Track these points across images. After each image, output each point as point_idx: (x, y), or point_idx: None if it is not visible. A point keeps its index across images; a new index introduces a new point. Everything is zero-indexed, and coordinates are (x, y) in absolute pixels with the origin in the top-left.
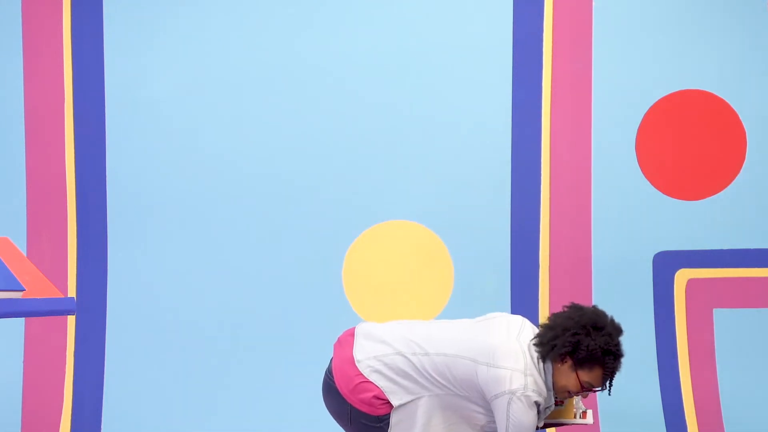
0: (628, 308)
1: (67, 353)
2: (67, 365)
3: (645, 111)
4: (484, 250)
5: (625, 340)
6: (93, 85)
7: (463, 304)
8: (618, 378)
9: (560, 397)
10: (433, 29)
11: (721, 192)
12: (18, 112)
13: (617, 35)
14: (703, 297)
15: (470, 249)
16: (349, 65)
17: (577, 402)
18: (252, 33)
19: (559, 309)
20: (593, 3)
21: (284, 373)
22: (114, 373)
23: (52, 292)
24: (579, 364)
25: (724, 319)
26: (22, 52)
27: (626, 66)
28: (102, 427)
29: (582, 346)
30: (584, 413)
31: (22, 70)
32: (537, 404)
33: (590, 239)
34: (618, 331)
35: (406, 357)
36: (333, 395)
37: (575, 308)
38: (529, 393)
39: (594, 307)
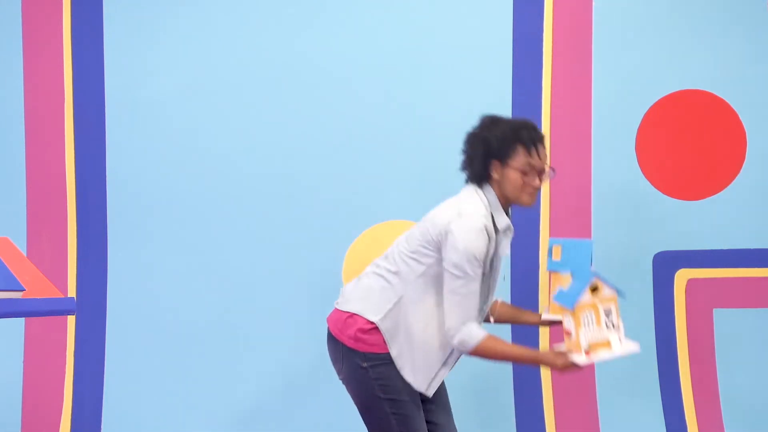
0: (628, 308)
1: (67, 353)
2: (67, 365)
3: (645, 111)
4: None
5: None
6: (93, 85)
7: None
8: (618, 377)
9: (524, 202)
10: (433, 29)
11: (721, 192)
12: (18, 112)
13: (617, 35)
14: (703, 297)
15: None
16: (349, 65)
17: (584, 335)
18: (252, 33)
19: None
20: (593, 3)
21: (284, 373)
22: (114, 373)
23: (52, 292)
24: (502, 155)
25: (724, 319)
26: (22, 52)
27: (626, 66)
28: (102, 427)
29: (490, 139)
30: (588, 352)
31: (22, 70)
32: (485, 228)
33: (590, 239)
34: (519, 119)
35: (371, 274)
36: (330, 342)
37: (468, 131)
38: (466, 217)
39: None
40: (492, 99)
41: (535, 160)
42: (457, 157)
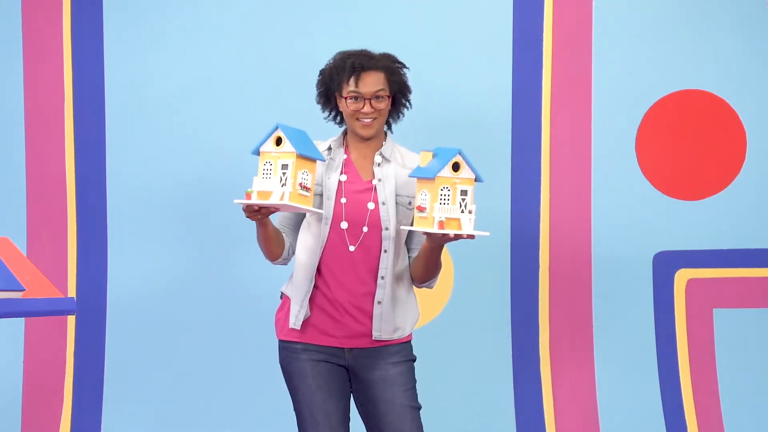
0: (628, 308)
1: (67, 353)
2: (67, 365)
3: (645, 111)
4: (484, 250)
5: (625, 340)
6: (93, 85)
7: (463, 304)
8: (618, 377)
9: (359, 132)
10: (433, 29)
11: (721, 192)
12: (18, 112)
13: (617, 35)
14: (703, 297)
15: (470, 249)
16: None
17: (439, 210)
18: (253, 32)
19: (559, 309)
20: (593, 3)
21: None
22: (114, 373)
23: (52, 292)
24: (337, 86)
25: (724, 319)
26: (22, 52)
27: (626, 66)
28: (102, 427)
29: (323, 71)
30: (441, 224)
31: (22, 70)
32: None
33: (590, 239)
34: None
35: None
36: None
37: None
38: None
39: None
40: (492, 99)
41: (358, 87)
42: None
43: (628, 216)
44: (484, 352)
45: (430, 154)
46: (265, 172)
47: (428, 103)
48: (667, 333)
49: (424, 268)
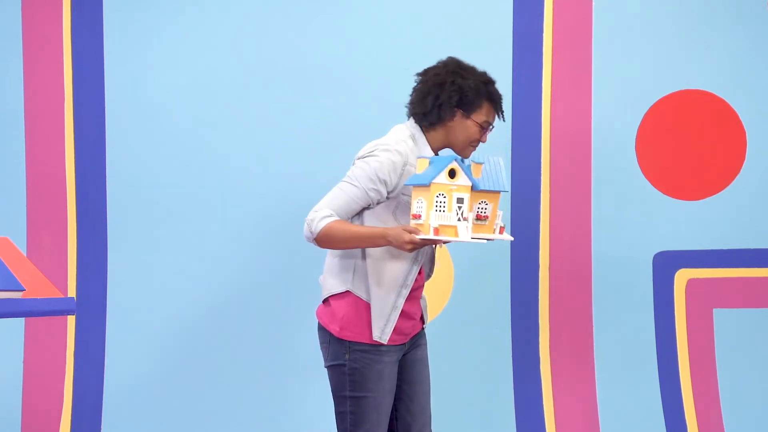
0: (628, 308)
1: (67, 353)
2: (67, 365)
3: (645, 111)
4: (485, 250)
5: (625, 340)
6: (93, 85)
7: (463, 304)
8: (618, 377)
9: (465, 154)
10: (433, 29)
11: (721, 192)
12: (18, 112)
13: (617, 35)
14: (703, 297)
15: (470, 249)
16: (351, 64)
17: (499, 218)
18: (253, 32)
19: (559, 309)
20: (593, 3)
21: (285, 374)
22: (114, 373)
23: (52, 292)
24: (469, 107)
25: (724, 319)
26: (22, 52)
27: (626, 66)
28: (102, 427)
29: (465, 89)
30: (502, 228)
31: (22, 70)
32: (399, 153)
33: (590, 239)
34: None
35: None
36: (320, 330)
37: (430, 68)
38: (384, 141)
39: (445, 59)
40: None
41: (493, 119)
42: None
43: (628, 216)
44: (484, 352)
45: (480, 166)
46: (439, 204)
47: None
48: (667, 333)
49: None
